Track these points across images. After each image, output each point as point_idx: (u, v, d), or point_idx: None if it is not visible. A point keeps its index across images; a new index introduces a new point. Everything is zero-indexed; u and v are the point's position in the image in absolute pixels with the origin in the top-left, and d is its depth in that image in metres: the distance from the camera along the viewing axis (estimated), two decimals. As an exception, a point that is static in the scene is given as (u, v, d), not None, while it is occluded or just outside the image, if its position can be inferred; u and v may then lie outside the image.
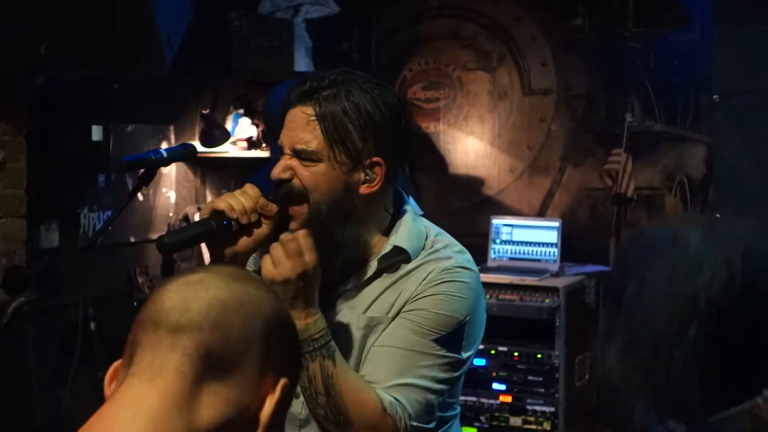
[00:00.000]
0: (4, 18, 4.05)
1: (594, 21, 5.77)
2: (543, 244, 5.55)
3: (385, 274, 2.20)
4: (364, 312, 2.18)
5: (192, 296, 1.32)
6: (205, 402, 1.29)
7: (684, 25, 5.55)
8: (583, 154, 5.86)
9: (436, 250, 2.23)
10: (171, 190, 5.57)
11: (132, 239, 5.31)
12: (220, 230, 2.07)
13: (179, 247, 2.16)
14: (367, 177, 2.15)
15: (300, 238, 2.03)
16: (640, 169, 5.61)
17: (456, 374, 2.20)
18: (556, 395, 5.04)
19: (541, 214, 5.93)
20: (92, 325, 3.96)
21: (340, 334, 2.17)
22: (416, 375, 2.13)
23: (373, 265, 2.20)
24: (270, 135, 2.55)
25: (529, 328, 5.09)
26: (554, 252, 5.49)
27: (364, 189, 2.16)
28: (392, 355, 2.14)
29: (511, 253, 5.61)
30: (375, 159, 2.15)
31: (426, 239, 2.25)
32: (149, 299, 1.36)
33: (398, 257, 2.21)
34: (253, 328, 1.33)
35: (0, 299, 4.19)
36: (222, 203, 2.08)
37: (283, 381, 1.35)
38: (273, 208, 2.11)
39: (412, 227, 2.24)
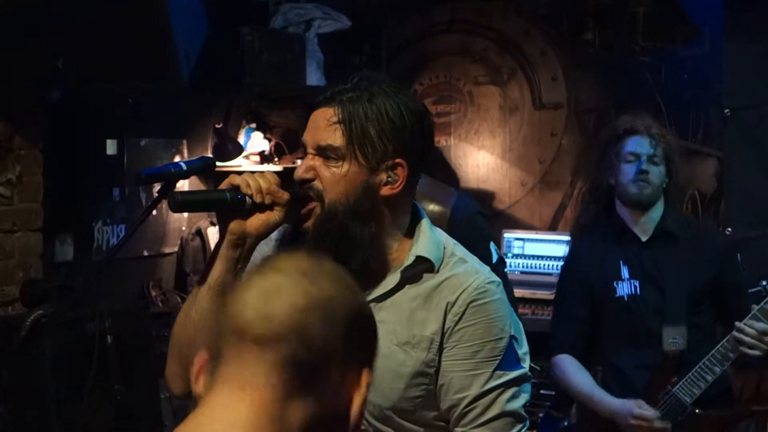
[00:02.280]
0: (21, 33, 4.08)
1: (604, 36, 5.79)
2: (555, 258, 5.56)
3: (407, 286, 2.21)
4: (401, 327, 2.18)
5: (271, 306, 1.35)
6: (295, 407, 1.34)
7: (694, 40, 5.57)
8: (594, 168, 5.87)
9: (462, 259, 2.25)
10: (184, 204, 5.58)
11: (145, 253, 5.33)
12: (232, 202, 2.09)
13: (189, 206, 2.21)
14: (390, 178, 2.17)
15: None
16: (651, 183, 5.61)
17: (529, 387, 2.25)
18: (570, 408, 5.04)
19: (552, 228, 5.94)
20: (109, 338, 3.98)
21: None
22: (500, 406, 2.18)
23: (396, 276, 2.21)
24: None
25: (541, 342, 5.08)
26: (566, 266, 5.49)
27: (386, 190, 2.17)
28: (470, 400, 2.17)
29: (523, 266, 5.63)
30: (397, 160, 2.17)
31: (445, 248, 2.26)
32: (227, 305, 1.40)
33: (420, 267, 2.21)
34: (334, 330, 1.37)
35: (18, 312, 4.21)
36: (239, 179, 2.11)
37: (366, 374, 1.40)
38: (284, 195, 2.12)
39: (431, 236, 2.25)
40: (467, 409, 2.17)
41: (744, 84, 5.15)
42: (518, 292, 5.20)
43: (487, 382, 2.16)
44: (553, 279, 5.45)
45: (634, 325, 3.84)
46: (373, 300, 2.20)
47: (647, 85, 5.67)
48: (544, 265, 5.57)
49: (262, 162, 5.76)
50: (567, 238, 5.57)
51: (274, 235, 2.20)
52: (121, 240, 4.80)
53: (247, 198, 2.10)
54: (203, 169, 2.76)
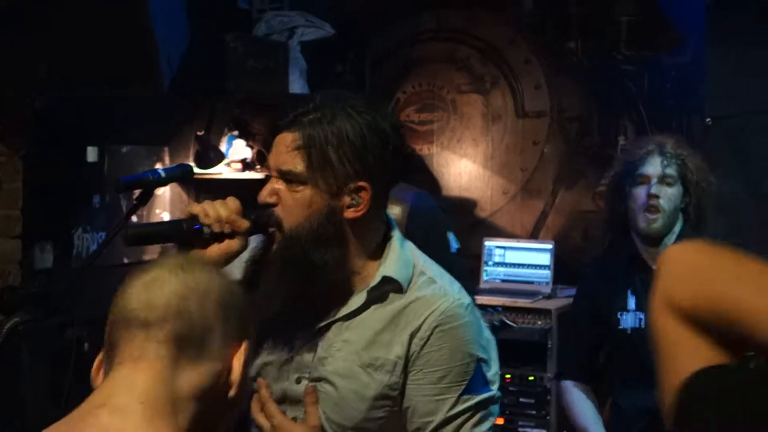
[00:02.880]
0: (3, 39, 4.06)
1: (587, 44, 5.79)
2: (536, 266, 5.56)
3: (373, 306, 2.20)
4: (364, 349, 2.18)
5: (152, 295, 1.57)
6: (185, 375, 1.56)
7: (677, 48, 5.57)
8: (576, 177, 5.88)
9: (430, 279, 2.23)
10: (165, 211, 5.56)
11: (125, 260, 5.30)
12: (189, 232, 2.07)
13: (143, 240, 2.20)
14: (353, 201, 2.15)
15: None
16: (632, 191, 5.61)
17: (496, 408, 2.24)
18: (548, 417, 5.04)
19: (533, 236, 5.94)
20: (86, 346, 3.95)
21: (341, 369, 2.18)
22: None
23: (362, 296, 2.20)
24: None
25: (521, 350, 5.08)
26: (547, 274, 5.50)
27: (349, 213, 2.15)
28: (435, 425, 2.16)
29: (504, 275, 5.62)
30: (360, 183, 2.14)
31: (414, 268, 2.24)
32: (115, 302, 1.60)
33: (386, 287, 2.20)
34: (209, 308, 1.58)
35: (-6, 319, 4.18)
36: (197, 208, 2.10)
37: (244, 344, 1.63)
38: (243, 223, 2.11)
39: (401, 254, 2.23)
40: None
41: (726, 93, 5.16)
42: (499, 301, 5.21)
43: (453, 407, 2.16)
44: (534, 287, 5.46)
45: (637, 362, 3.60)
46: (339, 319, 2.19)
47: (630, 94, 5.67)
48: (526, 273, 5.57)
49: (243, 169, 5.74)
50: (549, 246, 5.57)
51: (245, 254, 2.18)
52: (99, 246, 4.77)
53: (204, 228, 2.08)
54: (181, 177, 2.77)
